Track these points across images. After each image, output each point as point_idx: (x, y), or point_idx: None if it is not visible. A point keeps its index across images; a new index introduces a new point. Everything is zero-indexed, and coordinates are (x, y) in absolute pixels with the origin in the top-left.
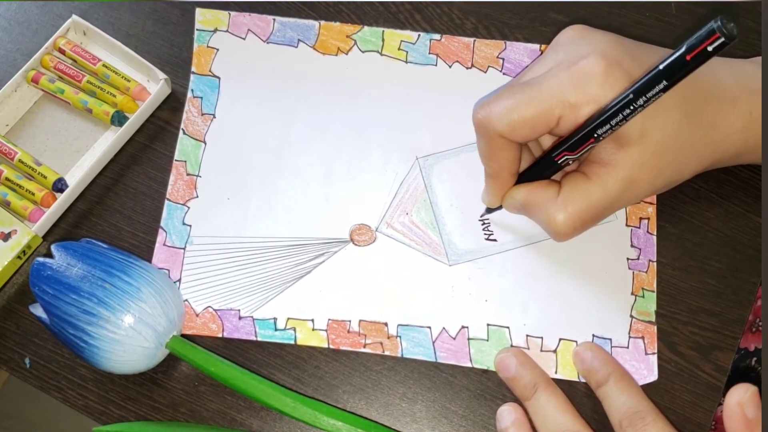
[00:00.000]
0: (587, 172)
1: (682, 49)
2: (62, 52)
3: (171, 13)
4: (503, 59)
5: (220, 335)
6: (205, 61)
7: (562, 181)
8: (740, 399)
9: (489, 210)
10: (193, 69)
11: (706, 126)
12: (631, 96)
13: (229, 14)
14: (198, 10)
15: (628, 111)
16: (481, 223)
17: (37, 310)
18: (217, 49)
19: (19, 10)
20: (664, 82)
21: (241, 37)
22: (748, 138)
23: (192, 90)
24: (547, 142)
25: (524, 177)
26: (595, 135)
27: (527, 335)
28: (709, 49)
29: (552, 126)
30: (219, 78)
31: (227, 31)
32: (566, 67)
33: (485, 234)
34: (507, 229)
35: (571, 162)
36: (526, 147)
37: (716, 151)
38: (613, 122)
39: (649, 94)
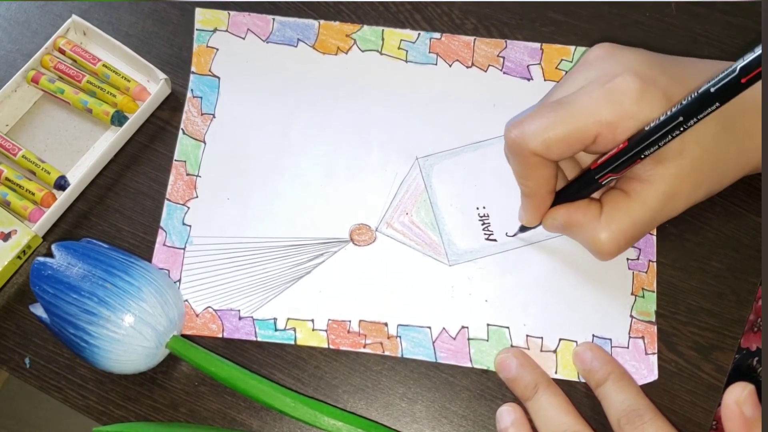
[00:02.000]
0: (626, 190)
1: (736, 73)
2: (62, 52)
3: (171, 13)
4: (504, 58)
5: (220, 335)
6: (205, 61)
7: (601, 199)
8: (738, 398)
9: (524, 228)
10: (193, 69)
11: (742, 136)
12: (681, 118)
13: (229, 14)
14: (197, 10)
15: (677, 132)
16: (481, 222)
17: (38, 310)
18: (217, 49)
19: (19, 10)
20: (717, 104)
21: (240, 37)
22: None
23: (192, 90)
24: (583, 158)
25: (562, 196)
26: (642, 156)
27: (527, 335)
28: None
29: (588, 144)
30: (219, 78)
31: (227, 30)
32: (600, 85)
33: (485, 234)
34: (507, 229)
35: (614, 182)
36: (558, 166)
37: (753, 160)
38: (661, 143)
39: (700, 116)
